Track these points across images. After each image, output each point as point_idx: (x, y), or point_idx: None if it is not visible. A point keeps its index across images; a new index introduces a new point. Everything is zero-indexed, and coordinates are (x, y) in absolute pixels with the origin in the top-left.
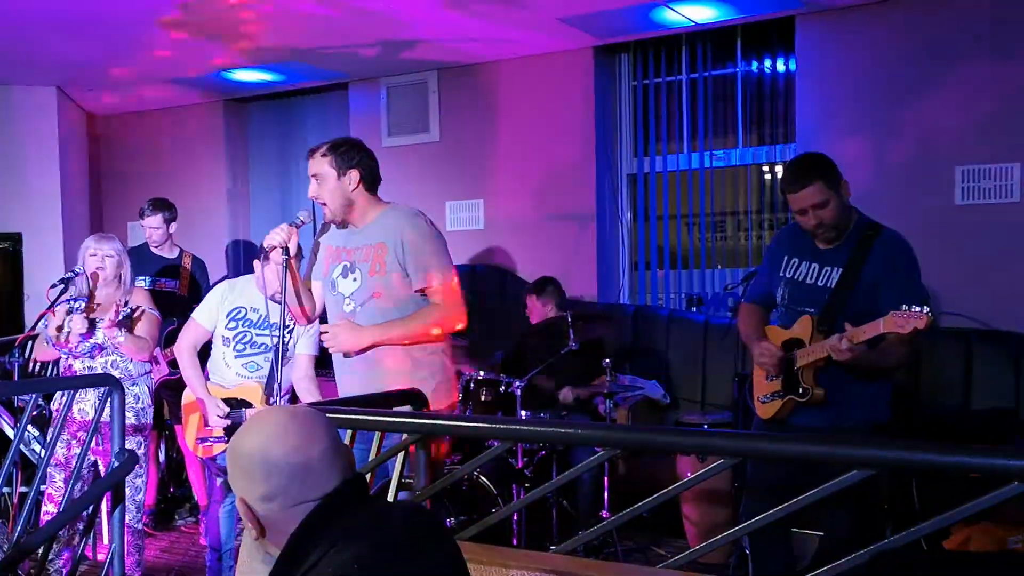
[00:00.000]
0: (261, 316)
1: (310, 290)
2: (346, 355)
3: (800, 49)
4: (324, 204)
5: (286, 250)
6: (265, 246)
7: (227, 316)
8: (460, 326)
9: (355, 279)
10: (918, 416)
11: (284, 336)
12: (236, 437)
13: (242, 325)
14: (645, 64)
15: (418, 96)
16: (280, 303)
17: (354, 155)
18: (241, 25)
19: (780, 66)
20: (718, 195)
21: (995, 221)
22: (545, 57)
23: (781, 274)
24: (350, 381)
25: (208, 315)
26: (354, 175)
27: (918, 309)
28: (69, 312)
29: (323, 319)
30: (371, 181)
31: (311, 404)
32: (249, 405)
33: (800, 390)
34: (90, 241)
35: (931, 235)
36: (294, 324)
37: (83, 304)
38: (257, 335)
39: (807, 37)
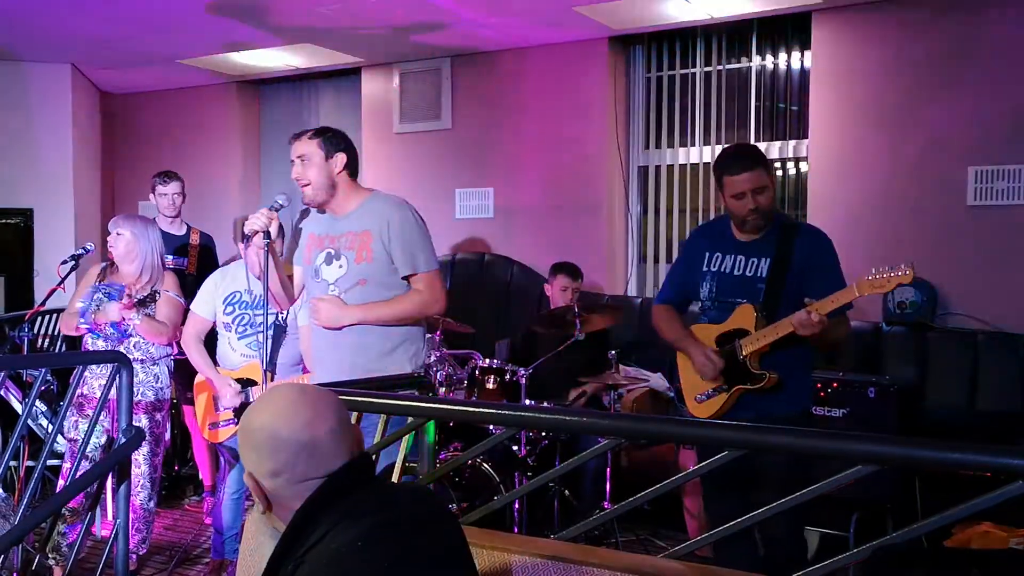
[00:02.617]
0: (256, 296)
1: (290, 276)
2: (327, 329)
3: (816, 45)
4: (307, 185)
5: (267, 234)
6: (246, 231)
7: (223, 302)
8: (439, 312)
9: (340, 266)
10: (923, 417)
11: (268, 317)
12: (247, 412)
13: (239, 308)
14: (659, 56)
15: (431, 83)
16: (263, 284)
17: (340, 140)
18: (258, 6)
19: (795, 62)
20: None
21: (1007, 222)
22: (559, 47)
23: (704, 269)
24: (329, 357)
25: (205, 305)
26: (340, 158)
27: (899, 265)
28: (106, 297)
29: None
30: (354, 168)
31: (320, 384)
32: (254, 383)
33: (752, 377)
34: (111, 221)
35: (943, 235)
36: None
37: (121, 292)
38: (255, 315)
39: (823, 33)
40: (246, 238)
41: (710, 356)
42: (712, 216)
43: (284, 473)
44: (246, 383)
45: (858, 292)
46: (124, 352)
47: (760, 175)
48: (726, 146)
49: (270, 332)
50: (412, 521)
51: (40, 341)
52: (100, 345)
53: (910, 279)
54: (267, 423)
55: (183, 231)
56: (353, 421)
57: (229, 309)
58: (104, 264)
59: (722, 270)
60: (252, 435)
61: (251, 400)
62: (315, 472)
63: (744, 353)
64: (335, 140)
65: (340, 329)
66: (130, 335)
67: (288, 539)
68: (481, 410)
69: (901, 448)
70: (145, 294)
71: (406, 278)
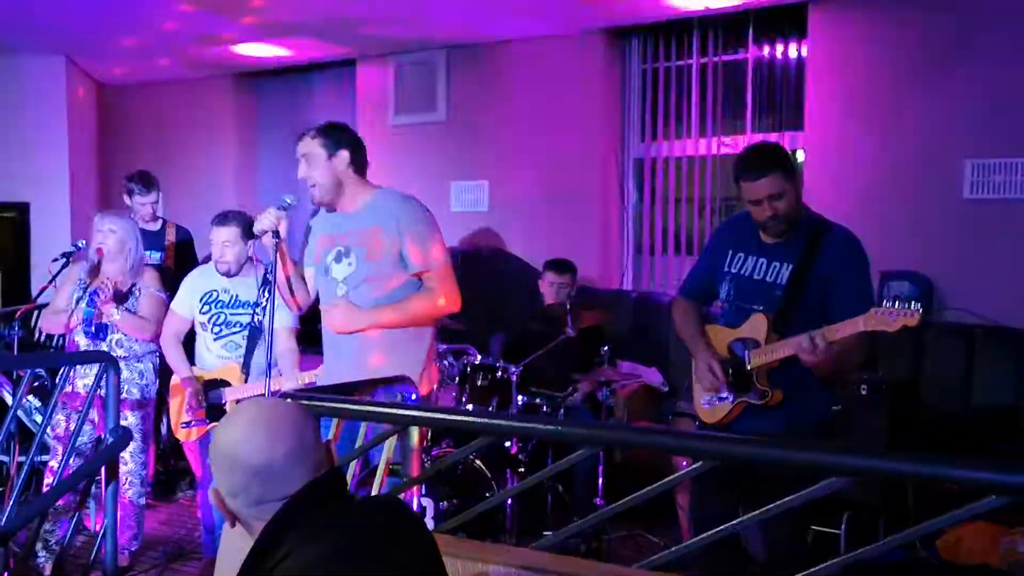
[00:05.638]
0: (232, 296)
1: (302, 277)
2: (339, 333)
3: (812, 36)
4: (313, 185)
5: (276, 234)
6: (255, 231)
7: (200, 301)
8: (454, 310)
9: (350, 263)
10: (917, 413)
11: (265, 317)
12: (217, 427)
13: (215, 308)
14: (655, 48)
15: (426, 75)
16: (271, 283)
17: (342, 136)
18: None
19: (791, 53)
20: (725, 182)
21: (1004, 216)
22: (555, 39)
23: (725, 269)
24: (337, 359)
25: (183, 304)
26: (344, 155)
27: (906, 306)
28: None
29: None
30: (359, 164)
31: (299, 390)
32: (228, 384)
33: (757, 392)
34: (97, 217)
35: (939, 228)
36: (266, 301)
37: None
38: (231, 315)
39: (819, 24)
40: (255, 237)
41: (713, 368)
42: (708, 208)
43: (240, 495)
44: (220, 383)
45: (864, 326)
46: (107, 350)
47: (776, 180)
48: (749, 145)
49: (246, 332)
50: (381, 537)
51: (36, 335)
52: (82, 342)
53: (915, 323)
54: (224, 443)
55: (158, 226)
56: (333, 427)
57: (205, 308)
58: (88, 265)
59: (742, 272)
60: (214, 452)
61: (223, 401)
62: (271, 495)
63: (751, 366)
64: (337, 137)
65: (350, 334)
66: (106, 331)
67: (254, 558)
68: (459, 418)
69: (876, 461)
70: (124, 289)
71: (416, 275)
